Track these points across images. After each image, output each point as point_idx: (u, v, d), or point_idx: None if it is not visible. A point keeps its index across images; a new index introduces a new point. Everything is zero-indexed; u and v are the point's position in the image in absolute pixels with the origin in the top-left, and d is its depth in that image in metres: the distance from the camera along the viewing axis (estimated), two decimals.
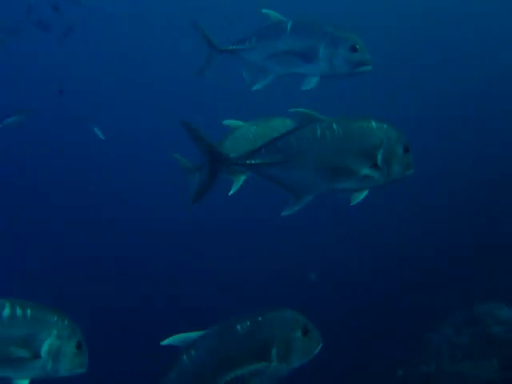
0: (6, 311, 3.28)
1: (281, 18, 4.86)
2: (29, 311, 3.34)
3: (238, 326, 3.31)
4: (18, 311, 3.31)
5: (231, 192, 4.37)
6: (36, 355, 3.25)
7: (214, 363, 3.21)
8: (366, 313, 9.03)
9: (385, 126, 3.61)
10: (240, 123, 4.90)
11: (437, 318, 9.09)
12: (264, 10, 4.86)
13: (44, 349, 3.29)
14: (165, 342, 3.22)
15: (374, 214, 9.86)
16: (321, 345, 3.48)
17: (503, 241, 9.79)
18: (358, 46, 4.42)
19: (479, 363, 8.14)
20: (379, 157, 3.55)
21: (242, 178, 4.33)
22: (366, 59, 4.42)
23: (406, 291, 9.46)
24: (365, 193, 3.66)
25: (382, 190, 3.87)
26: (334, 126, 3.55)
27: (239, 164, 3.60)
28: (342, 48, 4.42)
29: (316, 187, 3.66)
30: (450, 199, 11.45)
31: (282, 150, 3.55)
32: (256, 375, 3.21)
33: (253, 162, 3.54)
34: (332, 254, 10.03)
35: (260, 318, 3.38)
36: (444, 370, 8.34)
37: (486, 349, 8.25)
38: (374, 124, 3.60)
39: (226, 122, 4.93)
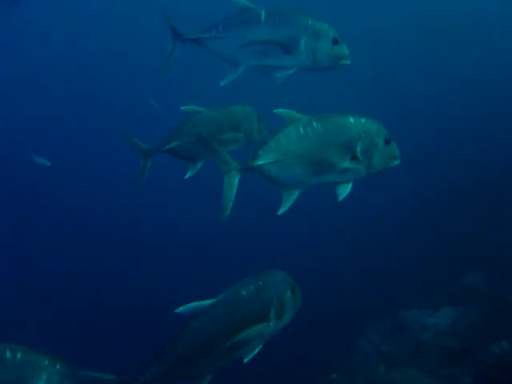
0: None
1: (250, 6, 4.53)
2: (19, 355, 3.33)
3: (244, 292, 3.56)
4: (8, 355, 3.30)
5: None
6: None
7: (223, 327, 3.45)
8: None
9: (363, 120, 3.76)
10: (199, 108, 4.88)
11: (365, 324, 9.07)
12: None
13: None
14: (179, 310, 3.40)
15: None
16: (301, 301, 3.83)
17: (429, 251, 9.98)
18: (338, 39, 4.30)
19: (407, 370, 8.16)
20: (358, 149, 3.70)
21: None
22: (345, 53, 4.32)
23: (335, 295, 9.31)
24: (349, 186, 3.81)
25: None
26: (314, 123, 3.72)
27: (248, 168, 3.72)
28: (325, 41, 4.27)
29: (304, 183, 3.83)
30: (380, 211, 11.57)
31: (274, 149, 3.72)
32: (258, 336, 3.49)
33: (260, 162, 3.71)
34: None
35: (261, 283, 3.63)
36: (373, 377, 8.31)
37: (414, 355, 8.31)
38: (351, 119, 3.75)
39: (185, 108, 4.89)
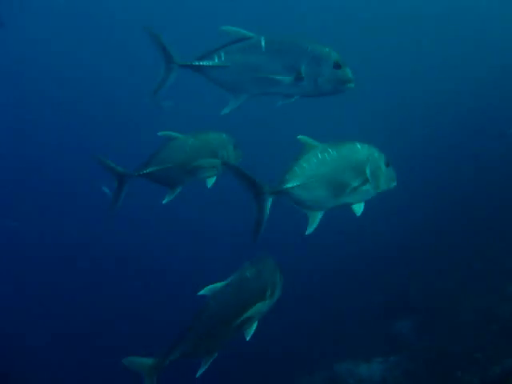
0: None
1: (247, 34, 4.38)
2: None
3: (248, 274, 4.06)
4: None
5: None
6: None
7: (234, 305, 3.93)
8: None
9: (366, 146, 4.10)
10: (176, 134, 4.91)
11: (299, 378, 8.95)
12: (224, 27, 4.33)
13: None
14: (200, 293, 3.86)
15: None
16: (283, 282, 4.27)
17: (360, 299, 10.11)
18: (340, 63, 4.23)
19: None
20: (367, 171, 4.03)
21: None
22: (349, 76, 4.24)
23: (267, 348, 9.13)
24: (362, 205, 4.16)
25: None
26: (329, 149, 4.01)
27: (278, 192, 3.90)
28: (326, 65, 4.20)
29: (326, 204, 4.09)
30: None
31: (299, 174, 3.96)
32: (258, 312, 3.97)
33: (289, 185, 3.93)
34: None
35: (260, 267, 4.12)
36: None
37: None
38: (358, 145, 4.09)
39: (162, 134, 4.91)
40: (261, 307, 4.01)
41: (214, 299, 3.94)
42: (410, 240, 11.09)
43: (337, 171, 4.01)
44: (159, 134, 4.89)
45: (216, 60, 4.42)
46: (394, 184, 4.20)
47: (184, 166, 4.87)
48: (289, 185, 3.93)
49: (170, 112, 14.27)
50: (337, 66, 4.20)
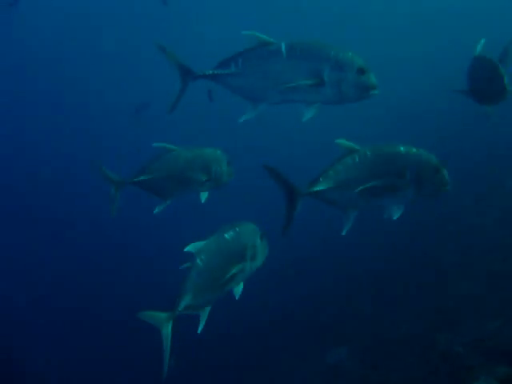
0: None
1: (268, 40, 4.22)
2: None
3: (227, 236, 4.24)
4: None
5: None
6: None
7: (217, 263, 4.15)
8: None
9: (413, 150, 4.18)
10: (171, 146, 5.08)
11: None
12: (245, 32, 4.20)
13: None
14: (186, 249, 4.07)
15: None
16: (268, 250, 4.48)
17: (294, 327, 10.08)
18: (365, 68, 4.06)
19: None
20: (408, 175, 4.10)
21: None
22: (373, 82, 4.08)
23: None
24: (402, 208, 4.23)
25: None
26: (368, 152, 4.19)
27: (310, 194, 4.18)
28: (350, 71, 4.02)
29: (360, 205, 4.25)
30: None
31: (332, 176, 4.17)
32: (240, 272, 4.21)
33: (320, 188, 4.18)
34: None
35: (238, 229, 4.29)
36: None
37: None
38: (401, 148, 4.20)
39: (157, 145, 5.07)
40: (243, 268, 4.24)
41: (199, 257, 4.16)
42: (346, 266, 11.19)
43: (373, 174, 4.12)
44: (154, 145, 5.05)
45: (233, 67, 4.32)
46: (445, 188, 4.21)
47: (175, 177, 5.03)
48: (320, 187, 4.16)
49: (144, 115, 14.77)
50: (361, 71, 4.05)
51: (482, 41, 5.16)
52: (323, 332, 9.48)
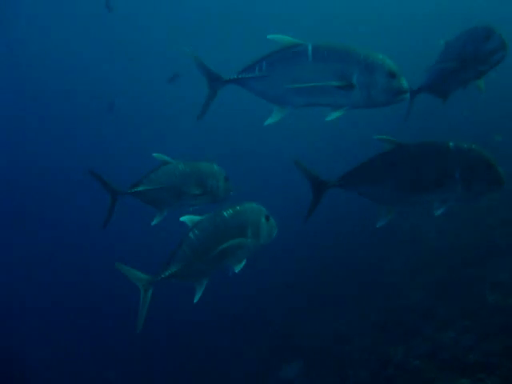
0: None
1: (294, 41, 4.09)
2: None
3: (224, 213, 4.44)
4: None
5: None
6: None
7: (211, 238, 4.34)
8: None
9: (464, 146, 4.04)
10: (168, 159, 5.24)
11: None
12: (270, 36, 4.06)
13: None
14: (182, 219, 4.37)
15: None
16: (277, 230, 4.62)
17: (247, 342, 9.76)
18: (396, 72, 3.91)
19: None
20: (455, 171, 3.98)
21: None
22: (404, 87, 3.92)
23: None
24: (446, 205, 4.12)
25: None
26: (410, 148, 4.16)
27: (339, 185, 4.30)
28: (380, 74, 3.87)
29: (400, 200, 4.25)
30: None
31: (364, 171, 4.23)
32: (239, 247, 4.40)
33: (344, 181, 4.30)
34: None
35: (238, 208, 4.48)
36: None
37: None
38: (450, 144, 4.07)
39: (157, 155, 5.25)
40: (242, 243, 4.38)
41: (192, 231, 4.35)
42: (292, 277, 11.02)
43: (413, 170, 4.09)
44: (154, 155, 5.22)
45: (258, 71, 4.23)
46: (498, 187, 4.05)
47: (171, 189, 5.17)
48: (345, 181, 4.25)
49: (116, 110, 15.64)
50: (392, 75, 3.90)
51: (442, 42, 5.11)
52: (277, 346, 9.25)
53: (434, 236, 10.44)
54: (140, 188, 5.19)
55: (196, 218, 4.41)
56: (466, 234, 9.45)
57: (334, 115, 4.04)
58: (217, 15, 26.61)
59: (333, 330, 9.14)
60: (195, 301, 4.39)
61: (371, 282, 9.94)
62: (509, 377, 5.74)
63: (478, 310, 6.98)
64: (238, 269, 4.40)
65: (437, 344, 6.91)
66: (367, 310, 9.31)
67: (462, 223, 9.75)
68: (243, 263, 4.42)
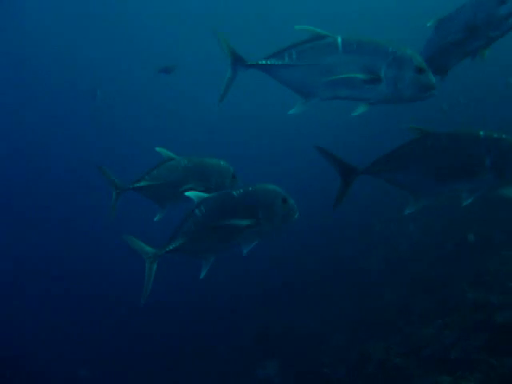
0: None
1: (323, 33, 4.02)
2: None
3: (234, 193, 4.40)
4: None
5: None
6: None
7: (217, 215, 4.32)
8: None
9: (494, 135, 4.00)
10: (171, 154, 5.19)
11: None
12: (298, 26, 4.01)
13: None
14: (187, 194, 4.44)
15: None
16: (298, 213, 4.45)
17: (223, 341, 9.55)
18: (424, 67, 3.84)
19: None
20: (486, 160, 3.94)
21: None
22: (432, 82, 3.85)
23: None
24: (475, 195, 4.08)
25: None
26: (441, 136, 4.12)
27: (369, 173, 4.24)
28: (408, 69, 3.80)
29: (432, 189, 4.22)
30: None
31: (395, 158, 4.19)
32: (248, 227, 4.29)
33: (375, 168, 4.25)
34: None
35: (250, 188, 4.42)
36: None
37: None
38: (481, 133, 4.03)
39: (159, 150, 5.19)
40: (251, 224, 4.28)
41: (198, 207, 4.36)
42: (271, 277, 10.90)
43: (445, 159, 4.03)
44: (157, 149, 5.17)
45: (286, 59, 4.10)
46: None
47: (173, 185, 5.10)
48: (375, 167, 4.19)
49: (102, 100, 15.55)
50: (420, 70, 3.84)
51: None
52: (253, 345, 9.07)
53: (411, 234, 10.46)
54: (142, 183, 5.20)
55: (203, 194, 4.41)
56: (442, 231, 9.47)
57: (360, 110, 4.00)
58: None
59: (309, 329, 9.02)
60: (201, 277, 4.41)
61: (349, 281, 9.87)
62: (490, 373, 5.68)
63: (457, 306, 6.91)
64: (245, 250, 4.32)
65: (417, 341, 6.81)
66: (345, 308, 9.23)
67: (439, 220, 9.77)
68: (252, 245, 4.34)
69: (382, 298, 8.85)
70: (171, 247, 4.38)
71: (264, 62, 4.18)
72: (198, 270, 4.48)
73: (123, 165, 10.21)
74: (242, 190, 4.41)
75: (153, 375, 8.97)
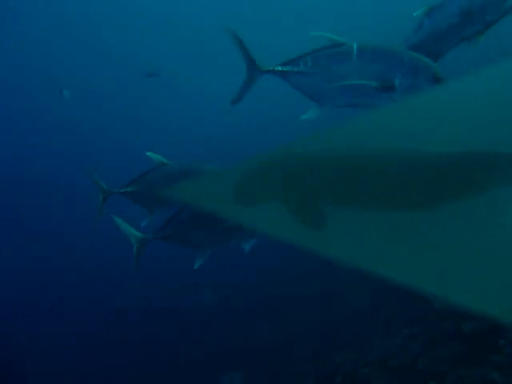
0: None
1: (339, 40, 3.98)
2: None
3: None
4: None
5: None
6: None
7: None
8: None
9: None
10: (164, 160, 5.07)
11: None
12: (313, 33, 4.01)
13: None
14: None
15: None
16: None
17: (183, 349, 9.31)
18: (440, 77, 3.78)
19: None
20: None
21: None
22: None
23: None
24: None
25: None
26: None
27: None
28: (424, 78, 3.73)
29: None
30: None
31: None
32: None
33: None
34: None
35: None
36: None
37: None
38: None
39: (150, 154, 5.07)
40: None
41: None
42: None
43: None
44: (148, 154, 5.05)
45: (301, 66, 4.10)
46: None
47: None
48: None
49: (69, 101, 15.19)
50: (436, 79, 3.76)
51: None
52: (217, 355, 8.84)
53: None
54: (129, 188, 5.16)
55: None
56: None
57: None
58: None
59: (273, 339, 8.87)
60: (195, 267, 4.40)
61: (313, 289, 9.79)
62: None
63: (424, 316, 6.89)
64: (247, 247, 4.31)
65: (385, 351, 6.75)
66: (309, 316, 9.12)
67: None
68: (253, 241, 4.32)
69: (349, 307, 8.79)
70: (161, 234, 4.45)
71: (280, 69, 4.21)
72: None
73: (116, 170, 9.95)
74: None
75: None
